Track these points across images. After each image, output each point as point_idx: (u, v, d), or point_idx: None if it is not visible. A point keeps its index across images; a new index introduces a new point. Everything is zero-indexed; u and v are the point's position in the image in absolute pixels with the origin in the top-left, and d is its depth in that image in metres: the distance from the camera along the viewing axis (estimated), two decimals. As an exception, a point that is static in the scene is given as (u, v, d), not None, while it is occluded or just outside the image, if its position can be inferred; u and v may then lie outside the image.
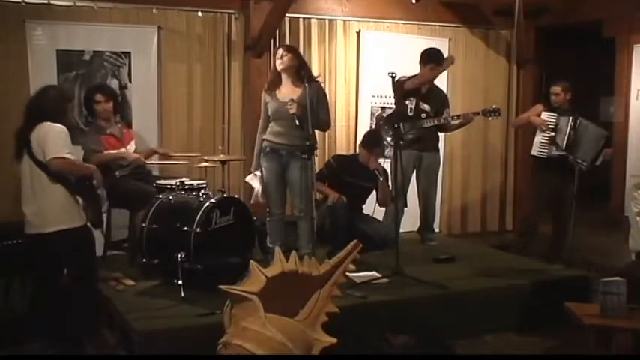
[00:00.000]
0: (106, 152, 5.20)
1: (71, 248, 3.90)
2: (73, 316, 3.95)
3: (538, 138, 6.05)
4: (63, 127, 3.89)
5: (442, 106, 6.03)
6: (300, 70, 5.07)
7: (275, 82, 5.20)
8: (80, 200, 3.94)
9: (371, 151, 5.51)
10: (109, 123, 5.38)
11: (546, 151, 5.98)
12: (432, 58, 5.96)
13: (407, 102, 5.89)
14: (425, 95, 5.98)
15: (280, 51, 5.16)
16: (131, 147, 5.45)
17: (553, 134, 5.92)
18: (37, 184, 3.86)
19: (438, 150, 6.22)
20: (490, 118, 6.19)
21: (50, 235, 3.86)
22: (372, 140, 5.60)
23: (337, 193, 5.40)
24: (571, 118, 5.88)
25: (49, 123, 3.86)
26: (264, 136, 5.23)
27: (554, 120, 5.94)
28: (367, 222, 5.65)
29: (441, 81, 6.98)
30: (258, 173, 5.32)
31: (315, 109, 4.96)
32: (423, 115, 5.93)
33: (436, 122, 5.96)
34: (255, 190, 5.34)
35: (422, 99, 5.96)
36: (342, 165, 5.60)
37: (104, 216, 5.51)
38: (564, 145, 5.85)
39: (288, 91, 5.10)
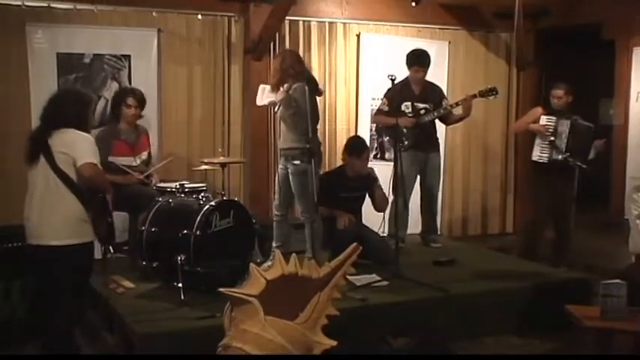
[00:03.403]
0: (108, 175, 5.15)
1: (76, 262, 3.70)
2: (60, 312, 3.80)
3: (538, 143, 6.02)
4: (89, 135, 3.75)
5: (440, 100, 6.02)
6: (281, 75, 5.05)
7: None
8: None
9: (360, 157, 5.42)
10: (130, 127, 5.39)
11: (547, 155, 5.95)
12: (416, 61, 5.91)
13: (403, 107, 5.88)
14: (419, 96, 5.96)
15: None
16: (142, 156, 5.44)
17: (553, 139, 5.89)
18: (52, 194, 3.65)
19: (439, 150, 6.23)
20: (490, 98, 6.08)
21: (58, 247, 3.64)
22: (358, 146, 5.52)
23: (343, 212, 5.35)
24: (569, 121, 5.87)
25: (72, 129, 3.69)
26: None
27: (553, 124, 5.92)
28: (370, 238, 5.39)
29: (441, 84, 6.98)
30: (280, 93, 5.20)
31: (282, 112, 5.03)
32: (422, 112, 5.93)
33: (436, 114, 5.95)
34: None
35: (417, 100, 5.94)
36: (333, 181, 5.46)
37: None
38: (564, 149, 5.84)
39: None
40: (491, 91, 5.98)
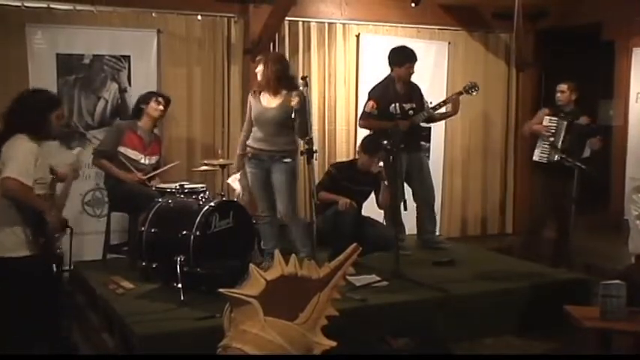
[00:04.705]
0: (113, 168, 5.21)
1: (23, 275, 3.62)
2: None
3: (539, 143, 6.07)
4: (34, 145, 3.63)
5: (420, 99, 5.98)
6: (280, 79, 4.99)
7: (262, 87, 5.10)
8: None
9: (373, 156, 5.44)
10: (148, 128, 5.39)
11: (547, 156, 5.98)
12: (409, 58, 5.84)
13: (390, 108, 5.81)
14: (404, 95, 5.89)
15: (258, 62, 5.13)
16: (152, 159, 5.43)
17: (553, 139, 5.94)
18: (2, 204, 3.61)
19: (421, 149, 6.18)
20: (473, 94, 6.02)
21: (6, 259, 3.62)
22: (373, 146, 5.50)
23: (344, 197, 5.37)
24: (566, 121, 5.92)
25: (23, 136, 3.61)
26: (248, 142, 5.19)
27: (555, 124, 5.96)
28: (370, 224, 5.56)
29: (441, 85, 7.01)
30: (238, 175, 5.30)
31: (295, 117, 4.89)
32: (411, 112, 5.85)
33: (427, 114, 5.87)
34: (237, 192, 5.34)
35: (403, 100, 5.86)
36: (343, 172, 5.53)
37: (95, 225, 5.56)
38: (560, 149, 5.88)
39: (270, 98, 5.07)
40: (473, 87, 5.96)
